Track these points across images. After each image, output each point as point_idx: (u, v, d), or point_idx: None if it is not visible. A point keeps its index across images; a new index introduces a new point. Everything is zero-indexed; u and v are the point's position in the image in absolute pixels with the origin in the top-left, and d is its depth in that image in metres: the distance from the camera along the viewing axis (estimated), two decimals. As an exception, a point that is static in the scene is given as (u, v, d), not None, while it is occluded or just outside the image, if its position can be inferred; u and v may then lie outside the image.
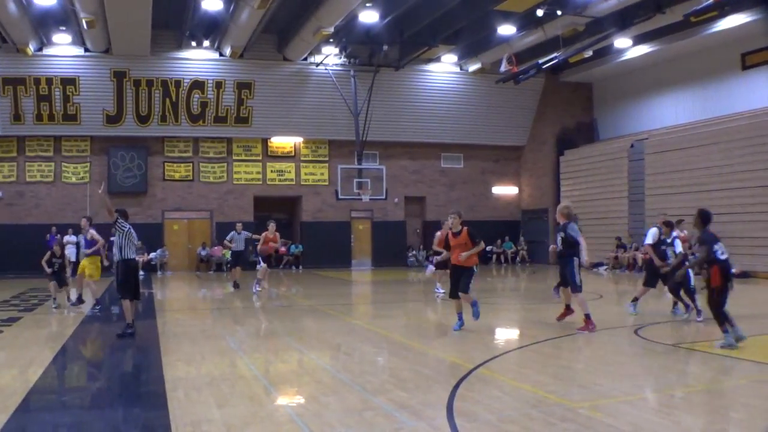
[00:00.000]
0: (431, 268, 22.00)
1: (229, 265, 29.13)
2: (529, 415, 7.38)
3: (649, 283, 15.81)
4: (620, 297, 21.69)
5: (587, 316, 13.27)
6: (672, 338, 12.65)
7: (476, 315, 13.26)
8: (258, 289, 22.49)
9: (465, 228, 13.37)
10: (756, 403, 7.95)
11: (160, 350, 11.70)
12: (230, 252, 26.74)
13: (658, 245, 15.46)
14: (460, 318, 13.41)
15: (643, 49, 32.83)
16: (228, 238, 24.54)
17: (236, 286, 24.11)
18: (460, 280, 13.29)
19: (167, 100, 33.63)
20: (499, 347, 12.09)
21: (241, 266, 25.20)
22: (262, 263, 22.78)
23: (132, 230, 13.34)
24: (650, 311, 16.11)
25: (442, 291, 20.52)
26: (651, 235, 15.63)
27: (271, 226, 22.75)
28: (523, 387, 8.73)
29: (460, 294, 13.22)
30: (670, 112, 34.64)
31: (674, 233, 15.69)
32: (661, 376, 9.49)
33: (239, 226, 24.59)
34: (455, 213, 13.68)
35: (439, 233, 19.87)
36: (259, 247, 22.73)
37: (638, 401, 8.08)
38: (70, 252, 28.91)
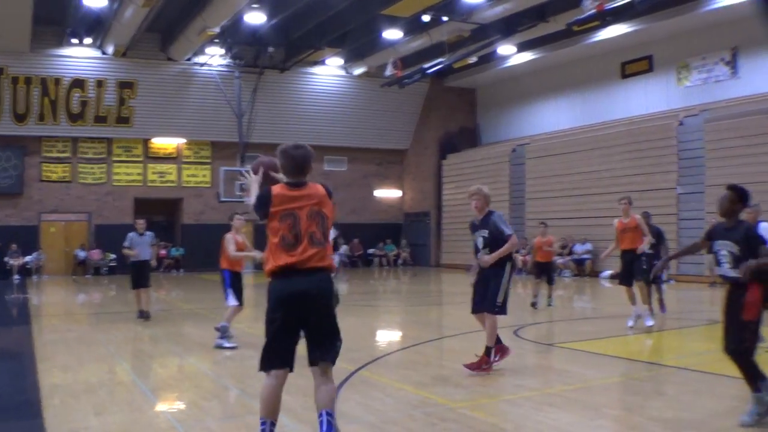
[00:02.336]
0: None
1: (124, 276, 19.86)
2: (411, 416, 7.45)
3: None
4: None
5: (489, 351, 9.77)
6: (550, 338, 12.92)
7: None
8: (225, 343, 12.23)
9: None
10: (631, 399, 8.21)
11: (35, 357, 11.37)
12: (129, 262, 16.81)
13: None
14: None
15: (527, 56, 33.53)
16: (126, 242, 16.46)
17: (145, 315, 16.29)
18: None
19: (46, 98, 32.61)
20: (380, 349, 12.15)
21: (146, 285, 16.64)
22: (230, 299, 12.81)
23: None
24: (530, 311, 16.43)
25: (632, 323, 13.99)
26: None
27: (238, 220, 13.83)
28: (405, 388, 8.79)
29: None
30: (552, 117, 35.47)
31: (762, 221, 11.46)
32: (539, 375, 9.68)
33: (141, 223, 16.80)
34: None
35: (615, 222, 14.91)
36: (228, 258, 13.07)
37: (519, 400, 8.23)
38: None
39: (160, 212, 36.82)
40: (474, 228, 9.95)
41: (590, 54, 32.22)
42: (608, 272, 27.68)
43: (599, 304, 20.94)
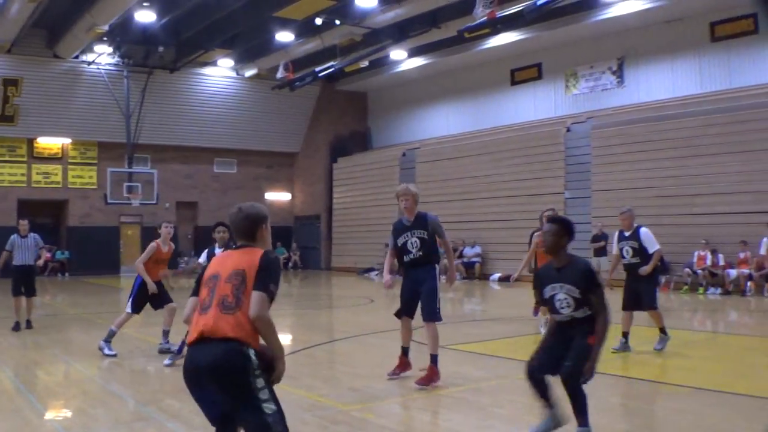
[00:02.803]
0: None
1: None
2: (303, 420, 7.45)
3: None
4: (391, 301, 22.19)
5: (435, 360, 9.23)
6: (441, 340, 13.04)
7: None
8: (106, 349, 11.61)
9: None
10: (520, 400, 8.34)
11: None
12: (11, 267, 14.97)
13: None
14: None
15: (418, 61, 33.84)
16: (8, 245, 14.90)
17: (23, 326, 14.89)
18: None
19: (-75, 95, 31.50)
20: (272, 354, 12.07)
21: (29, 293, 15.10)
22: (128, 305, 11.97)
23: None
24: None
25: None
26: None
27: (166, 228, 12.69)
28: (296, 392, 8.76)
29: None
30: (443, 122, 35.83)
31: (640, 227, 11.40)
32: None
33: (24, 224, 15.14)
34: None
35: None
36: (141, 271, 11.96)
37: (410, 402, 8.32)
38: None
39: (44, 214, 35.87)
40: (403, 229, 9.17)
41: (481, 61, 32.73)
42: (497, 275, 28.06)
43: (488, 306, 21.27)
